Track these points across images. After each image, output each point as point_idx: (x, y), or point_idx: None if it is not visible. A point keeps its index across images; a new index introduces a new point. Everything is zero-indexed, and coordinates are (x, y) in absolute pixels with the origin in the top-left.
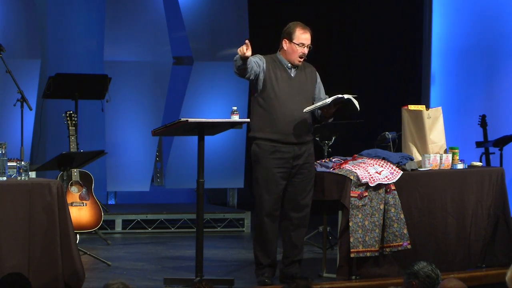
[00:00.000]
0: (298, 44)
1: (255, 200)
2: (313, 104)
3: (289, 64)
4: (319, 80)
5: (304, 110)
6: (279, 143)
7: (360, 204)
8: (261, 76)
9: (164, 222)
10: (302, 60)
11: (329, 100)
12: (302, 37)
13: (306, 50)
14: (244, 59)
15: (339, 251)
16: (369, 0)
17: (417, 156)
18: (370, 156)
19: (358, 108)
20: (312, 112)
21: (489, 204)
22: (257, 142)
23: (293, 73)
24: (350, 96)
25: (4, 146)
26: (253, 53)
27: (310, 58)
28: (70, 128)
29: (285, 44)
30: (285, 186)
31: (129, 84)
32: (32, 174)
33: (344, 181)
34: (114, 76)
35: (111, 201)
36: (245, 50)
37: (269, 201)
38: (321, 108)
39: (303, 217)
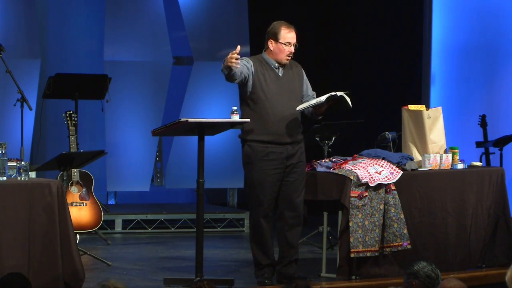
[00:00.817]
0: (284, 44)
1: (250, 202)
2: (302, 101)
3: (276, 64)
4: (305, 77)
5: (297, 109)
6: (272, 144)
7: (360, 204)
8: (250, 78)
9: (164, 222)
10: (290, 58)
11: (323, 98)
12: (288, 36)
13: (292, 49)
14: (229, 68)
15: (339, 251)
16: (369, 0)
17: (417, 156)
18: (370, 156)
19: (351, 105)
20: (301, 111)
21: (489, 204)
22: (250, 144)
23: (280, 72)
24: (342, 93)
25: (4, 146)
26: (252, 54)
27: (310, 58)
28: (70, 128)
29: (271, 44)
30: (279, 187)
31: (129, 84)
32: (32, 174)
33: (344, 181)
34: (114, 76)
35: (111, 201)
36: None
37: (265, 202)
38: (313, 106)
39: (297, 216)
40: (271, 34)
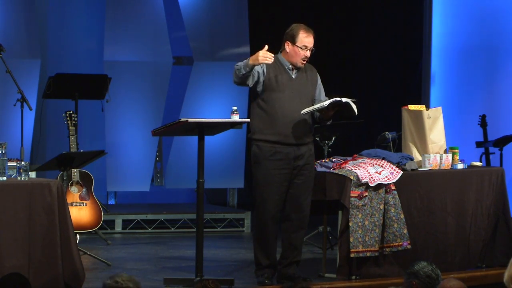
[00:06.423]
0: (301, 47)
1: (256, 202)
2: (312, 105)
3: (290, 66)
4: (319, 81)
5: (302, 112)
6: (279, 144)
7: (360, 204)
8: (261, 79)
9: (164, 222)
10: (305, 62)
11: (326, 103)
12: (306, 40)
13: (308, 53)
14: (254, 65)
15: (339, 251)
16: (369, 0)
17: (417, 156)
18: (370, 156)
19: (356, 112)
20: (311, 113)
21: (489, 204)
22: (257, 144)
23: (294, 74)
24: (348, 100)
25: (4, 146)
26: (252, 54)
27: (310, 58)
28: (70, 128)
29: (288, 46)
30: (287, 188)
31: (129, 84)
32: (32, 174)
33: (344, 181)
34: (114, 76)
35: (111, 201)
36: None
37: (272, 202)
38: (319, 110)
39: (303, 218)
40: (288, 36)
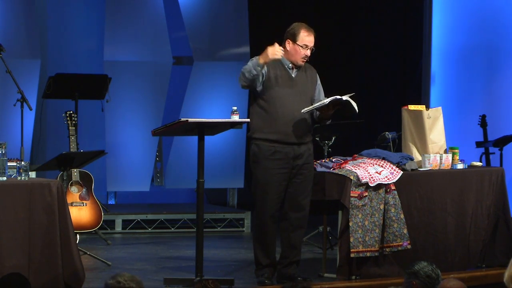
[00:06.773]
0: (301, 46)
1: (256, 201)
2: (312, 105)
3: (290, 65)
4: (319, 82)
5: (302, 111)
6: (278, 143)
7: (360, 204)
8: (261, 78)
9: (164, 222)
10: (305, 61)
11: (326, 101)
12: (306, 39)
13: (308, 52)
14: (265, 63)
15: (339, 251)
16: (369, 0)
17: (417, 156)
18: (370, 156)
19: (357, 110)
20: (311, 112)
21: (489, 204)
22: (257, 143)
23: (294, 73)
24: (347, 98)
25: (4, 146)
26: (253, 55)
27: (310, 58)
28: (70, 128)
29: (288, 45)
30: (286, 187)
31: (129, 84)
32: (32, 174)
33: (344, 181)
34: (114, 76)
35: (111, 201)
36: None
37: (271, 202)
38: (319, 109)
39: (302, 217)
40: (289, 35)
